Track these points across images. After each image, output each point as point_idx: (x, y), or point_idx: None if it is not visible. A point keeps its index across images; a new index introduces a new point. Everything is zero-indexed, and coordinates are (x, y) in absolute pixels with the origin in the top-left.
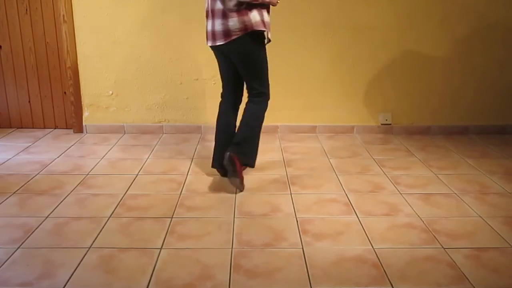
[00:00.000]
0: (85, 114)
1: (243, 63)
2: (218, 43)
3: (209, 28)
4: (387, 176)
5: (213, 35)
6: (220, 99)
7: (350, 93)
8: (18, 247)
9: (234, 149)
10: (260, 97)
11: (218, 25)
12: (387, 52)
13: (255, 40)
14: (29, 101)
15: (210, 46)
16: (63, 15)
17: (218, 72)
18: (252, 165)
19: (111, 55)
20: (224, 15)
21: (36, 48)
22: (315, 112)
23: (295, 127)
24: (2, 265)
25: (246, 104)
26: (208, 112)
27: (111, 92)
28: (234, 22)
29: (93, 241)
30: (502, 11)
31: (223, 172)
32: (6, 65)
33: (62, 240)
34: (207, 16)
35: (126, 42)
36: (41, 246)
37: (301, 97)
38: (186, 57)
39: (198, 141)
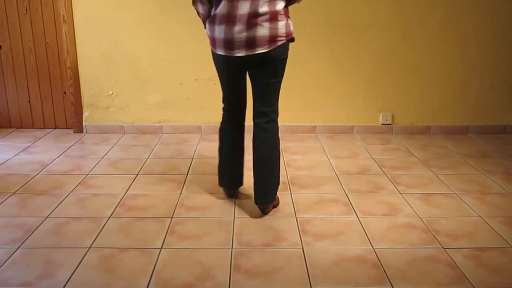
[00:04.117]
0: (85, 114)
1: (272, 76)
2: (258, 51)
3: (240, 34)
4: (387, 176)
5: (249, 42)
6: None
7: (350, 93)
8: (18, 247)
9: (268, 201)
10: (274, 119)
11: (264, 29)
12: (387, 51)
13: (288, 48)
14: (29, 101)
15: (236, 57)
16: (63, 15)
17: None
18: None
19: (111, 55)
20: (274, 17)
21: (36, 48)
22: (315, 112)
23: (295, 127)
24: (2, 265)
25: (259, 133)
26: (208, 112)
27: (111, 92)
28: (283, 25)
29: (93, 241)
30: (502, 11)
31: (231, 192)
32: (6, 65)
33: (62, 240)
34: (226, 22)
35: (126, 42)
36: (41, 246)
37: (301, 97)
38: (186, 57)
39: (198, 141)
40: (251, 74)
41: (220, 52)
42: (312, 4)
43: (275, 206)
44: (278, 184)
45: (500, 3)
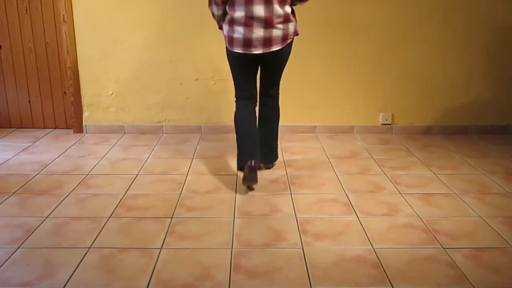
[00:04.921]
0: (85, 114)
1: (281, 66)
2: (273, 49)
3: (258, 35)
4: (387, 176)
5: (266, 42)
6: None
7: (350, 93)
8: (18, 247)
9: (273, 159)
10: (275, 94)
11: (279, 30)
12: (387, 52)
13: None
14: (29, 101)
15: (254, 54)
16: (63, 15)
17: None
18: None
19: (111, 55)
20: (286, 19)
21: (36, 48)
22: (315, 112)
23: (295, 127)
24: (2, 265)
25: (266, 110)
26: (208, 112)
27: (111, 92)
28: (292, 25)
29: (93, 241)
30: (502, 11)
31: (253, 176)
32: (6, 65)
33: (62, 240)
34: (245, 24)
35: (126, 42)
36: (41, 246)
37: (301, 97)
38: (186, 57)
39: (198, 141)
40: (263, 65)
41: (238, 50)
42: (311, 4)
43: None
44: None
45: (500, 3)
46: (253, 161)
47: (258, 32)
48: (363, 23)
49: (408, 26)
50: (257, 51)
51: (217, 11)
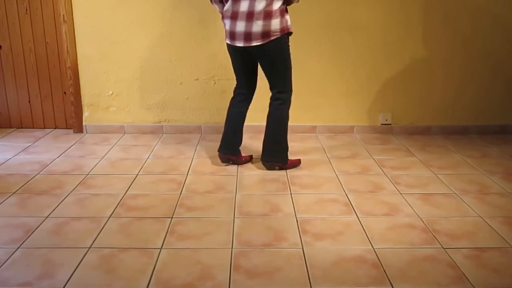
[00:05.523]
0: (85, 114)
1: (273, 64)
2: (254, 44)
3: (240, 29)
4: (387, 176)
5: (246, 36)
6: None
7: (350, 93)
8: (18, 247)
9: (273, 160)
10: (281, 97)
11: (258, 26)
12: (387, 52)
13: (286, 40)
14: (29, 101)
15: (238, 46)
16: (63, 15)
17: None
18: (285, 163)
19: (111, 55)
20: (267, 16)
21: (36, 48)
22: (315, 112)
23: (295, 127)
24: (2, 265)
25: (270, 110)
26: (208, 112)
27: (111, 92)
28: (276, 23)
29: (93, 241)
30: (502, 11)
31: (226, 159)
32: (6, 65)
33: (62, 240)
34: (231, 18)
35: (126, 42)
36: (41, 246)
37: (300, 97)
38: (186, 57)
39: (198, 141)
40: (257, 62)
41: (227, 41)
42: (312, 4)
43: (282, 168)
44: (286, 149)
45: (500, 3)
46: (221, 154)
47: (240, 26)
48: (363, 23)
49: (407, 26)
50: (239, 44)
51: (218, 7)
